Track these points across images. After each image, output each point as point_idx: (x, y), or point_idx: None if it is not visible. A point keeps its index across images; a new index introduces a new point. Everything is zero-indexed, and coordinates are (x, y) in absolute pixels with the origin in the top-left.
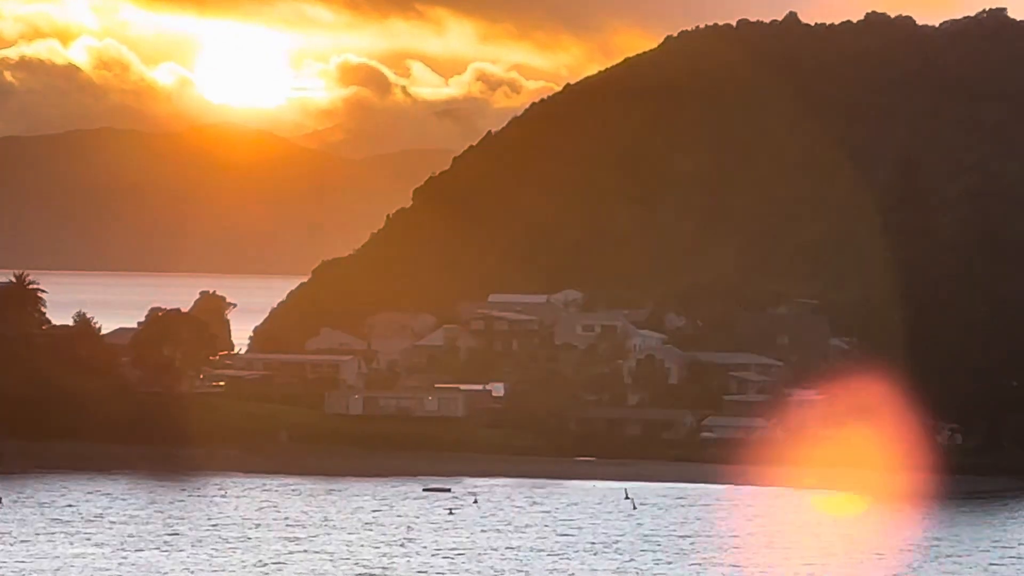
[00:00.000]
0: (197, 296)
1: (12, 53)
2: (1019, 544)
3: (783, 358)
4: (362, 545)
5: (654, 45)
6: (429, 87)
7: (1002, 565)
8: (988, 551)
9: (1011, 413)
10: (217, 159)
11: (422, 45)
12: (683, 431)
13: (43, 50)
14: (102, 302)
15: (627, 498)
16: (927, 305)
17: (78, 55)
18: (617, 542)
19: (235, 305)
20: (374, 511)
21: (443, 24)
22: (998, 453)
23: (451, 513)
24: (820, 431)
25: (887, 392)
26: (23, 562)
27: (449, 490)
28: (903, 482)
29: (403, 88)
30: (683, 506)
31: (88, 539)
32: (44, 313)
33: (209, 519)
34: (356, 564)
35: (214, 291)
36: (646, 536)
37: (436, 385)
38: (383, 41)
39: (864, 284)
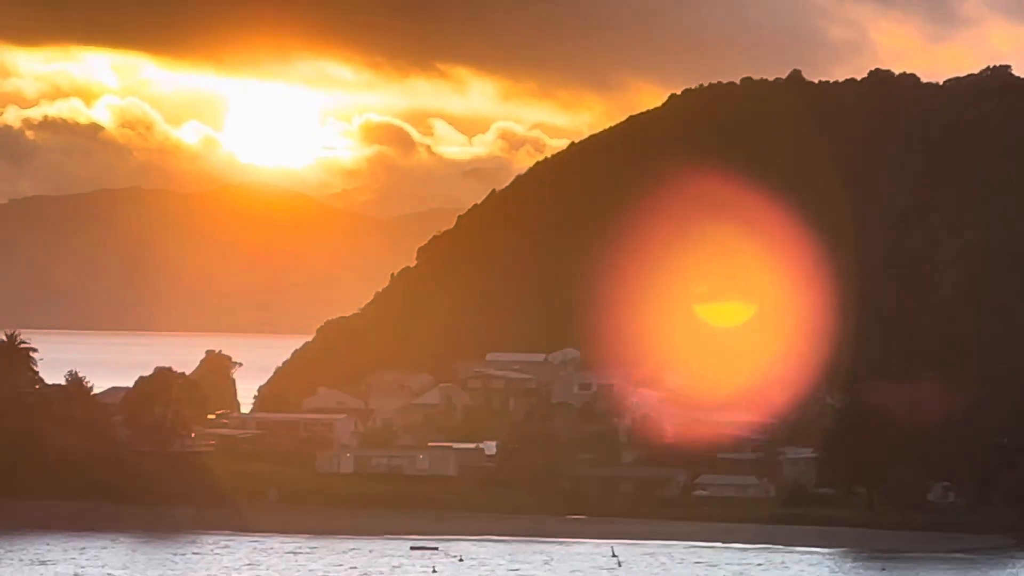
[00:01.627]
0: (203, 356)
1: (35, 113)
2: None
3: (779, 416)
4: None
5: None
6: (453, 146)
7: None
8: None
9: (1001, 471)
10: (249, 219)
11: (444, 104)
12: (676, 489)
13: (65, 109)
14: (106, 361)
15: (613, 556)
16: (919, 366)
17: (101, 114)
18: None
19: (240, 364)
20: (352, 568)
21: (465, 83)
22: (989, 510)
23: (434, 572)
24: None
25: (878, 448)
26: None
27: (436, 548)
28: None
29: (427, 147)
30: (667, 565)
31: None
32: (36, 372)
33: None
34: None
35: (219, 350)
36: None
37: (429, 444)
38: (405, 100)
39: (859, 342)
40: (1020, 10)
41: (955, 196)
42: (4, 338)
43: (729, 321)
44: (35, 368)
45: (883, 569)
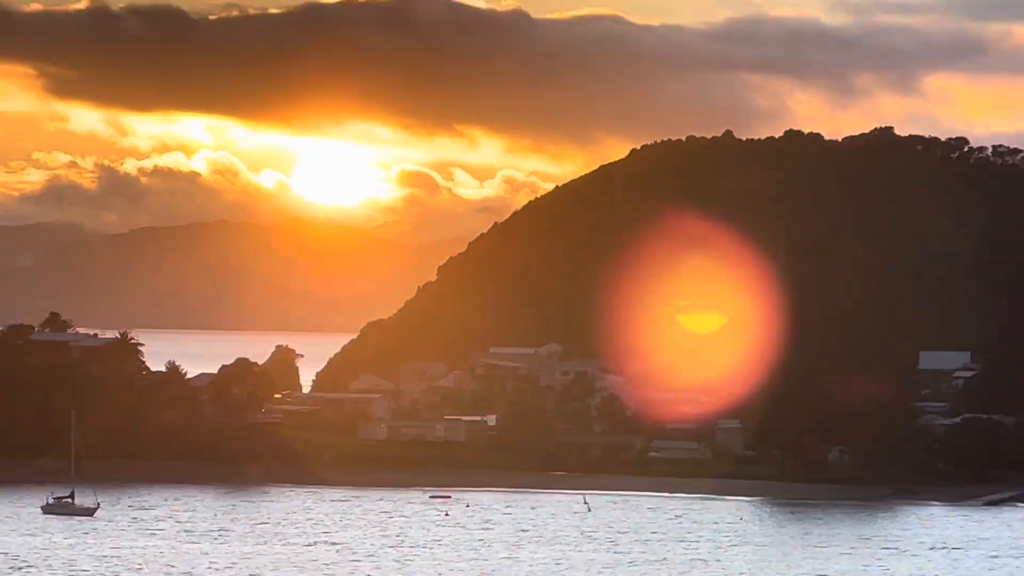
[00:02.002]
0: (274, 350)
1: (147, 163)
2: (879, 533)
3: (721, 396)
4: (369, 538)
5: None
6: (469, 188)
7: (858, 547)
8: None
9: (883, 438)
10: (311, 244)
11: (461, 156)
12: (635, 452)
13: (171, 161)
14: (198, 353)
15: (585, 503)
16: (829, 359)
17: (198, 164)
18: (564, 536)
19: (302, 355)
20: (383, 512)
21: (477, 140)
22: (873, 468)
23: (447, 515)
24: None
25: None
26: (111, 549)
27: (449, 497)
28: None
29: (449, 189)
30: (625, 510)
31: (157, 534)
32: (143, 361)
33: (253, 520)
34: (358, 551)
35: (286, 345)
36: (587, 532)
37: (445, 417)
38: (431, 153)
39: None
40: (902, 84)
41: (855, 228)
42: (118, 335)
43: (701, 327)
44: (142, 358)
45: (792, 512)
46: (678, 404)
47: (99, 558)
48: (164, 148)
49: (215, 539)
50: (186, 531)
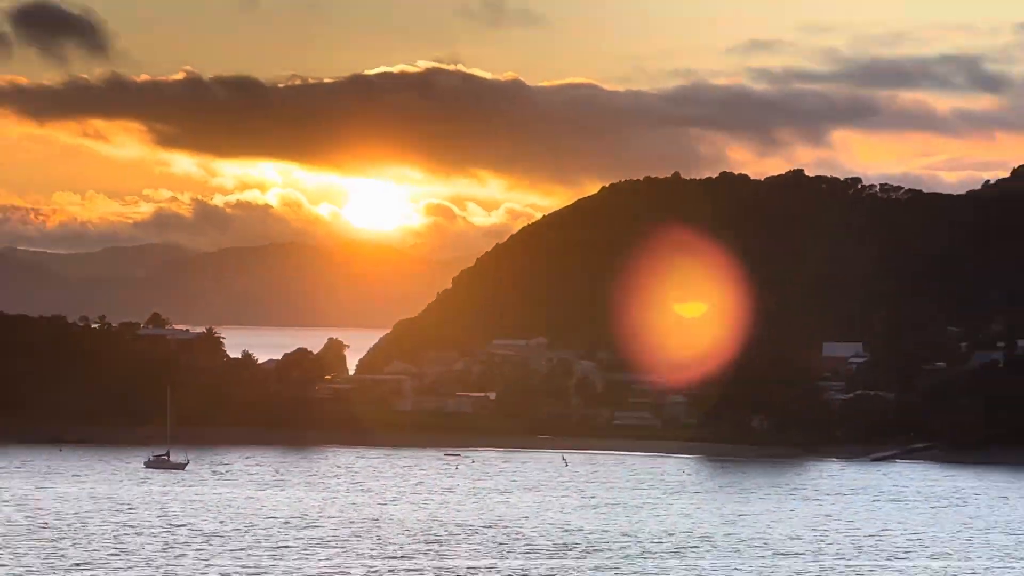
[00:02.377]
0: (326, 341)
1: (231, 198)
2: (790, 482)
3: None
4: (396, 486)
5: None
6: (479, 217)
7: (772, 493)
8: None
9: (794, 409)
10: (359, 261)
11: (473, 192)
12: (603, 420)
13: (250, 196)
14: (268, 344)
15: (563, 460)
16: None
17: (271, 198)
18: (546, 485)
19: (348, 346)
20: (407, 466)
21: (485, 180)
22: (786, 432)
23: (456, 468)
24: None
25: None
26: (196, 495)
27: (459, 455)
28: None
29: (464, 218)
30: (595, 465)
31: (232, 483)
32: (224, 350)
33: (306, 472)
34: (384, 496)
35: (336, 338)
36: (563, 482)
37: (456, 393)
38: (450, 189)
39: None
40: (812, 137)
41: (776, 245)
42: (205, 331)
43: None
44: (223, 348)
45: (722, 467)
46: (635, 384)
47: (187, 502)
48: (244, 186)
49: (275, 487)
50: (254, 481)
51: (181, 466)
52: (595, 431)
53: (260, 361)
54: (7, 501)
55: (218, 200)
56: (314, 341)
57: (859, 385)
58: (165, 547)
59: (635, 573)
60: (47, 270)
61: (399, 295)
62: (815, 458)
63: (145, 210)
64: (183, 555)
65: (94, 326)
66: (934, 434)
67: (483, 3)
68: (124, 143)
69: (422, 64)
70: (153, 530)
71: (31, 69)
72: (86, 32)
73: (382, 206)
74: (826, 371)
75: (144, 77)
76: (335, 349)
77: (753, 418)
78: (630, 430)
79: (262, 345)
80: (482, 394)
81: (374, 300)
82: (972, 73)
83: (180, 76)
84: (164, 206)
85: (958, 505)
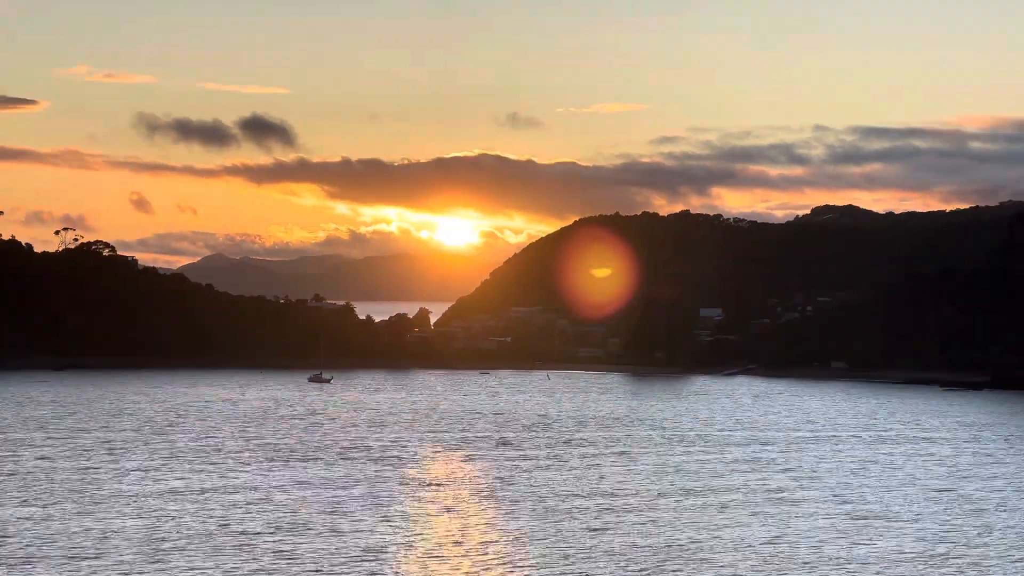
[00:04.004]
0: (418, 309)
1: (370, 228)
2: (674, 390)
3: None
4: (453, 392)
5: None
6: (511, 238)
7: (664, 396)
8: (662, 392)
9: (680, 342)
10: (442, 264)
11: (507, 223)
12: (569, 353)
13: (380, 227)
14: (389, 311)
15: (547, 377)
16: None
17: (393, 228)
18: (534, 389)
19: (431, 312)
20: (460, 381)
21: (513, 216)
22: (676, 359)
23: (488, 383)
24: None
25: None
26: (334, 397)
27: (489, 373)
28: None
29: (503, 239)
30: (565, 379)
31: (364, 390)
32: (355, 315)
33: (402, 386)
34: (448, 398)
35: (425, 307)
36: (545, 390)
37: (489, 338)
38: (493, 222)
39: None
40: (701, 191)
41: (677, 251)
42: (344, 304)
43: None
44: (355, 314)
45: (635, 380)
46: (590, 332)
47: (327, 401)
48: (376, 221)
49: (380, 392)
50: (368, 391)
51: (328, 381)
52: (568, 360)
53: (376, 320)
54: (224, 400)
55: (363, 229)
56: (412, 309)
57: (718, 332)
58: (317, 424)
59: (578, 436)
60: (267, 271)
61: (462, 283)
62: (691, 375)
63: (321, 235)
64: (334, 421)
65: (281, 301)
66: (759, 360)
67: (507, 115)
68: (308, 197)
69: (475, 151)
70: (313, 415)
71: (251, 155)
72: (281, 133)
73: (455, 232)
74: (702, 325)
75: (318, 159)
76: (423, 314)
77: (656, 351)
78: (587, 359)
79: (384, 312)
80: (503, 339)
81: (449, 286)
82: (789, 154)
83: (338, 159)
84: (332, 233)
85: (764, 398)
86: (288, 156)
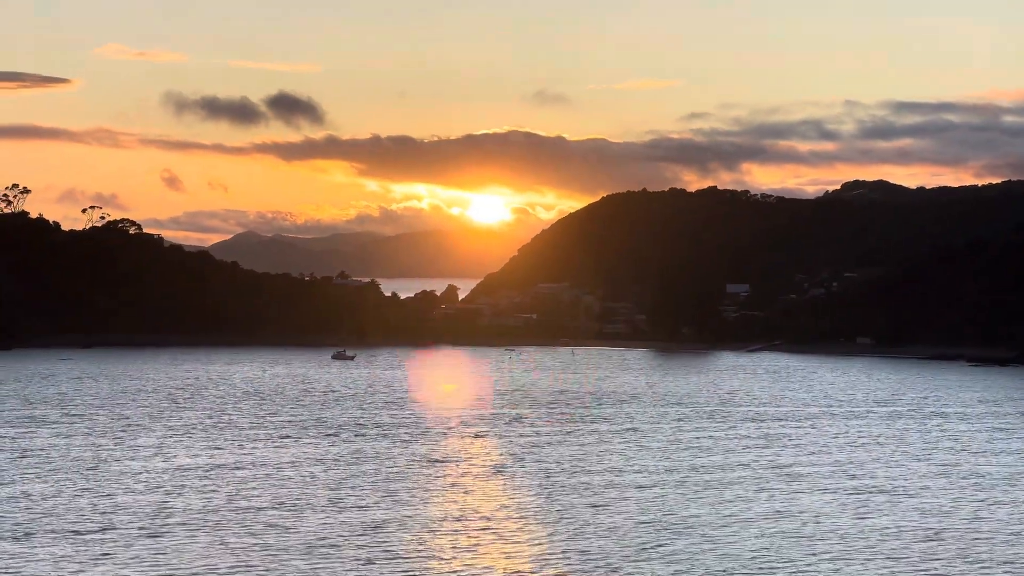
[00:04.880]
0: (447, 286)
1: (401, 205)
2: (703, 365)
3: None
4: (475, 368)
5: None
6: (543, 214)
7: (692, 370)
8: (689, 368)
9: (708, 320)
10: (475, 240)
11: (538, 200)
12: (597, 329)
13: (411, 204)
14: (420, 288)
15: (573, 353)
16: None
17: (424, 205)
18: (559, 366)
19: (459, 288)
20: (485, 358)
21: (545, 192)
22: (702, 335)
23: (510, 358)
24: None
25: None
26: (356, 373)
27: (514, 350)
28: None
29: (535, 215)
30: (590, 356)
31: (379, 368)
32: (381, 291)
33: (421, 364)
34: (472, 373)
35: (453, 284)
36: (568, 364)
37: (515, 315)
38: (525, 198)
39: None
40: (731, 167)
41: (700, 225)
42: (369, 280)
43: None
44: (380, 290)
45: (664, 358)
46: (615, 309)
47: (346, 375)
48: (407, 198)
49: (402, 369)
50: (389, 366)
51: (351, 358)
52: (593, 336)
53: (402, 297)
54: (245, 376)
55: (393, 206)
56: (443, 286)
57: (744, 308)
58: (333, 396)
59: (595, 411)
60: (299, 249)
61: (495, 260)
62: (718, 351)
63: (352, 213)
64: (351, 394)
65: (306, 279)
66: (785, 336)
67: (534, 92)
68: (337, 174)
69: (505, 127)
70: (332, 390)
71: (280, 132)
72: (309, 110)
73: (488, 209)
74: (727, 300)
75: (347, 136)
76: (451, 291)
77: (682, 327)
78: (613, 335)
79: (417, 289)
80: (528, 315)
81: (482, 263)
82: (819, 129)
83: (368, 136)
84: (363, 210)
85: (783, 373)
86: (317, 134)
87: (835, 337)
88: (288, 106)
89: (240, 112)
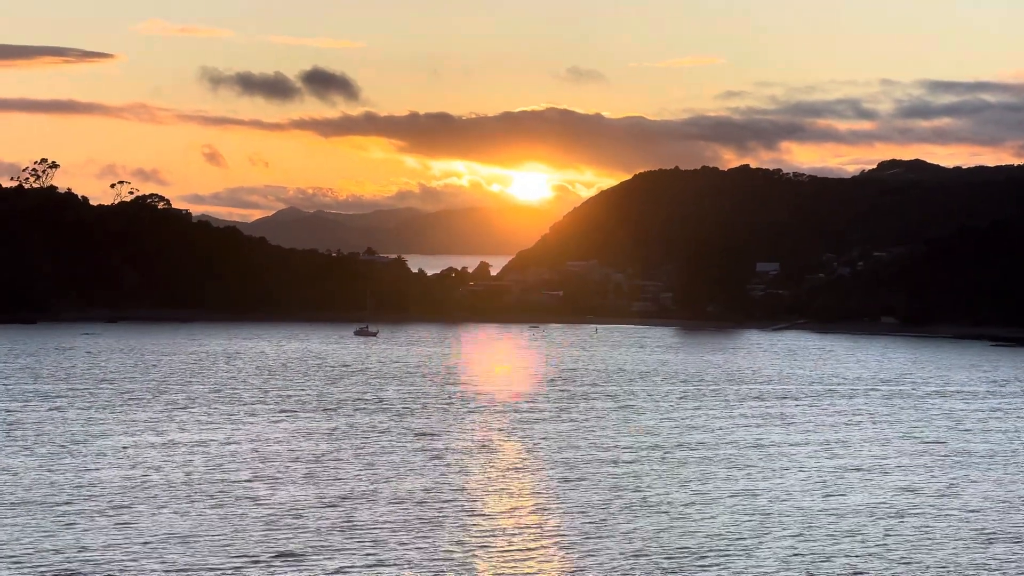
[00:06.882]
0: (478, 263)
1: (441, 182)
2: (729, 343)
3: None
4: (501, 344)
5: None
6: (583, 191)
7: (719, 349)
8: (715, 346)
9: (736, 298)
10: (514, 216)
11: (579, 178)
12: (621, 306)
13: (451, 181)
14: (458, 264)
15: (595, 330)
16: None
17: (463, 183)
18: (583, 343)
19: (491, 265)
20: (510, 335)
21: (583, 170)
22: (728, 313)
23: (531, 337)
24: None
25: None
26: (379, 350)
27: (538, 327)
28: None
29: (575, 192)
30: (614, 332)
31: (400, 344)
32: (408, 267)
33: (452, 337)
34: (496, 350)
35: (485, 260)
36: (591, 343)
37: (543, 292)
38: (564, 175)
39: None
40: (769, 145)
41: (732, 205)
42: (395, 257)
43: None
44: (407, 266)
45: (687, 334)
46: (644, 287)
47: (367, 353)
48: (447, 175)
49: (425, 346)
50: (411, 344)
51: (374, 334)
52: (620, 314)
53: (429, 273)
54: (260, 351)
55: (433, 183)
56: (472, 263)
57: (772, 286)
58: (347, 373)
59: (616, 389)
60: (340, 224)
61: (536, 237)
62: (743, 329)
63: (393, 189)
64: (366, 369)
65: (333, 255)
66: (810, 315)
67: (569, 70)
68: (376, 151)
69: (542, 105)
70: (344, 365)
71: (317, 108)
72: (344, 86)
73: (528, 186)
74: (756, 278)
75: (385, 113)
76: (482, 267)
77: (709, 304)
78: (639, 313)
79: (455, 265)
80: (556, 292)
81: (522, 240)
82: (856, 108)
83: (406, 113)
84: (403, 187)
85: (800, 352)
86: (354, 110)
87: (860, 316)
88: (323, 82)
89: (275, 88)
